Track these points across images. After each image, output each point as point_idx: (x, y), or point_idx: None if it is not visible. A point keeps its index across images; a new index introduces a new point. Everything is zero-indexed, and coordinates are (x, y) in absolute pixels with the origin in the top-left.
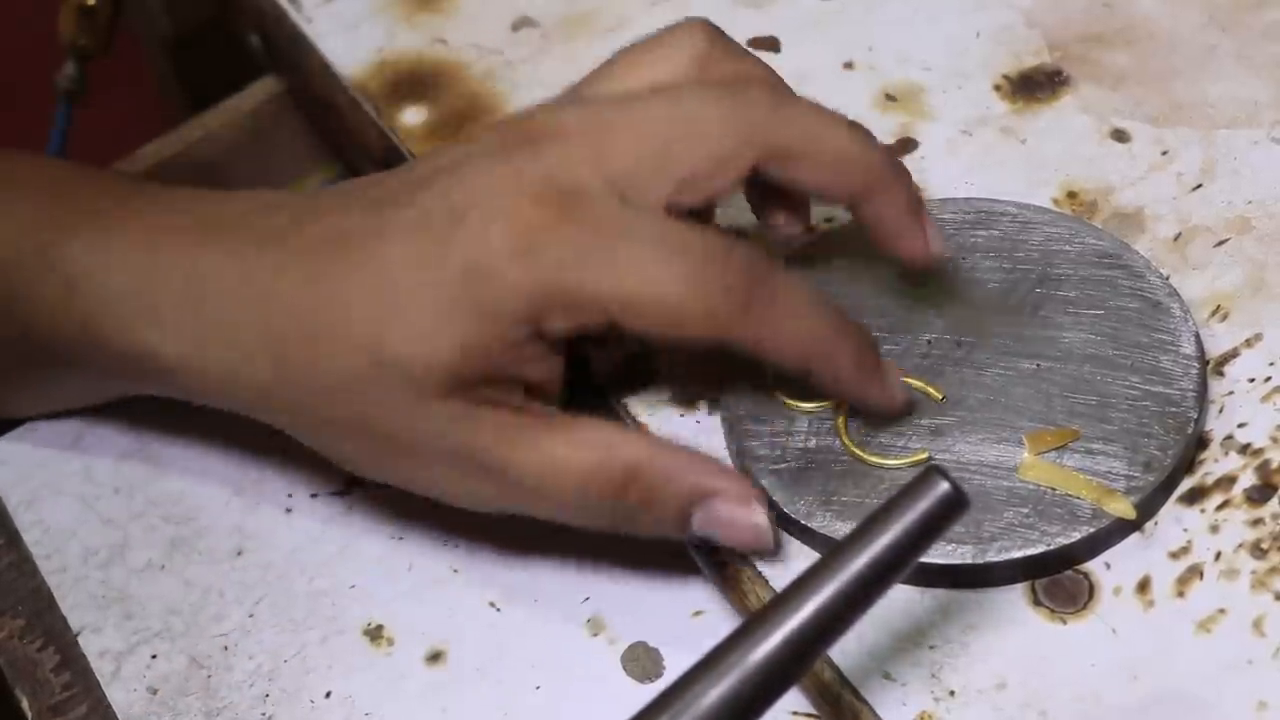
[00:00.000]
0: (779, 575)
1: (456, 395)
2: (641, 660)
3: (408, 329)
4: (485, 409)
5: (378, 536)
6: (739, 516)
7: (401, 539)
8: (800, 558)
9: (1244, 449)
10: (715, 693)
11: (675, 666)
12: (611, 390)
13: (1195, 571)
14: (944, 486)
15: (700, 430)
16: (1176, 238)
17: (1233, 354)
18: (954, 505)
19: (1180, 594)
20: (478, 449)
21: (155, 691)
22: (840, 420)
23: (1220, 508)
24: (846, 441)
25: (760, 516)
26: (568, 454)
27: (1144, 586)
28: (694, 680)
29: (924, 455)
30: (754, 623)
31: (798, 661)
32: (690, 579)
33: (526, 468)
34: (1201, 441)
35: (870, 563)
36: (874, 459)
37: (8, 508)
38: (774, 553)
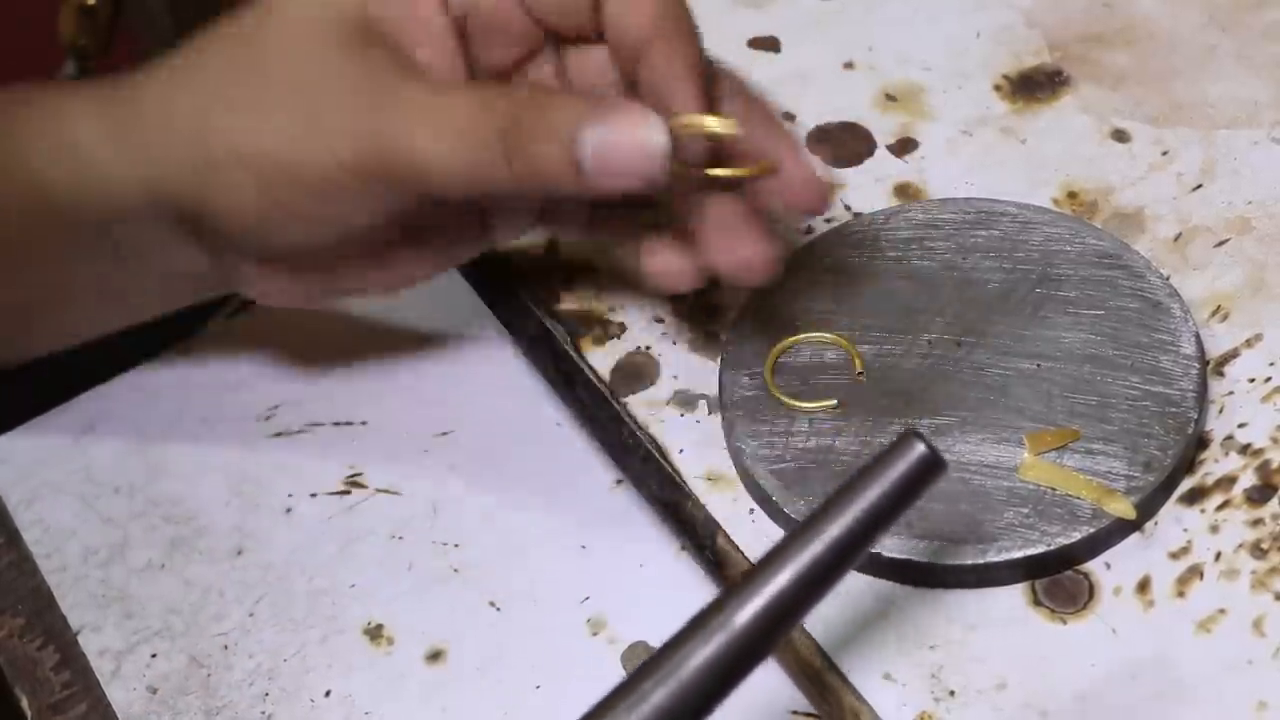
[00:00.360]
0: None
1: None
2: (641, 659)
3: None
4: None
5: (378, 536)
6: (631, 133)
7: (401, 539)
8: None
9: (1244, 449)
10: (701, 655)
11: None
12: (614, 391)
13: (1195, 571)
14: (921, 449)
15: (700, 430)
16: (1177, 238)
17: (1233, 354)
18: (932, 467)
19: (1180, 594)
20: (375, 74)
21: (155, 690)
22: (768, 370)
23: (1220, 508)
24: (772, 387)
25: (657, 134)
26: (457, 90)
27: (1144, 586)
28: (680, 644)
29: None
30: (737, 587)
31: (780, 624)
32: (690, 579)
33: (416, 95)
34: (1201, 442)
35: (850, 526)
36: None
37: (8, 506)
38: (660, 183)
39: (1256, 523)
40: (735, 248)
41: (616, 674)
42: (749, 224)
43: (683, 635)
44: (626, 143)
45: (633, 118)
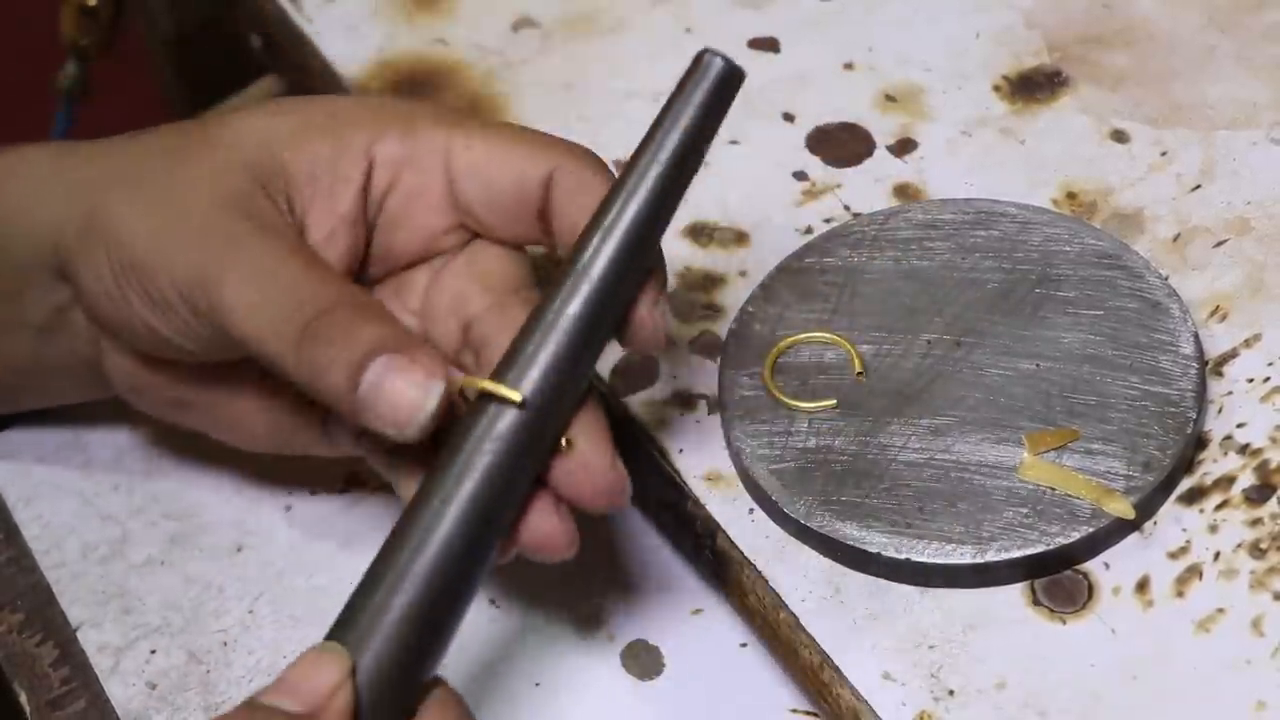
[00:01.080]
0: (779, 574)
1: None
2: (641, 658)
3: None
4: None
5: (377, 533)
6: (406, 382)
7: None
8: (800, 557)
9: (1243, 449)
10: (573, 304)
11: (675, 664)
12: (614, 391)
13: (1194, 571)
14: (719, 63)
15: (700, 430)
16: (1176, 238)
17: (1232, 354)
18: (730, 77)
19: (1179, 594)
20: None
21: (154, 686)
22: (767, 370)
23: (1219, 508)
24: (771, 387)
25: (427, 396)
26: (296, 263)
27: (1143, 586)
28: (552, 296)
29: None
30: (586, 232)
31: (634, 257)
32: (690, 578)
33: (257, 250)
34: (1200, 441)
35: (674, 151)
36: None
37: (7, 503)
38: (412, 436)
39: (1255, 522)
40: (532, 522)
41: (616, 671)
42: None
43: (548, 291)
44: (397, 390)
45: (414, 370)
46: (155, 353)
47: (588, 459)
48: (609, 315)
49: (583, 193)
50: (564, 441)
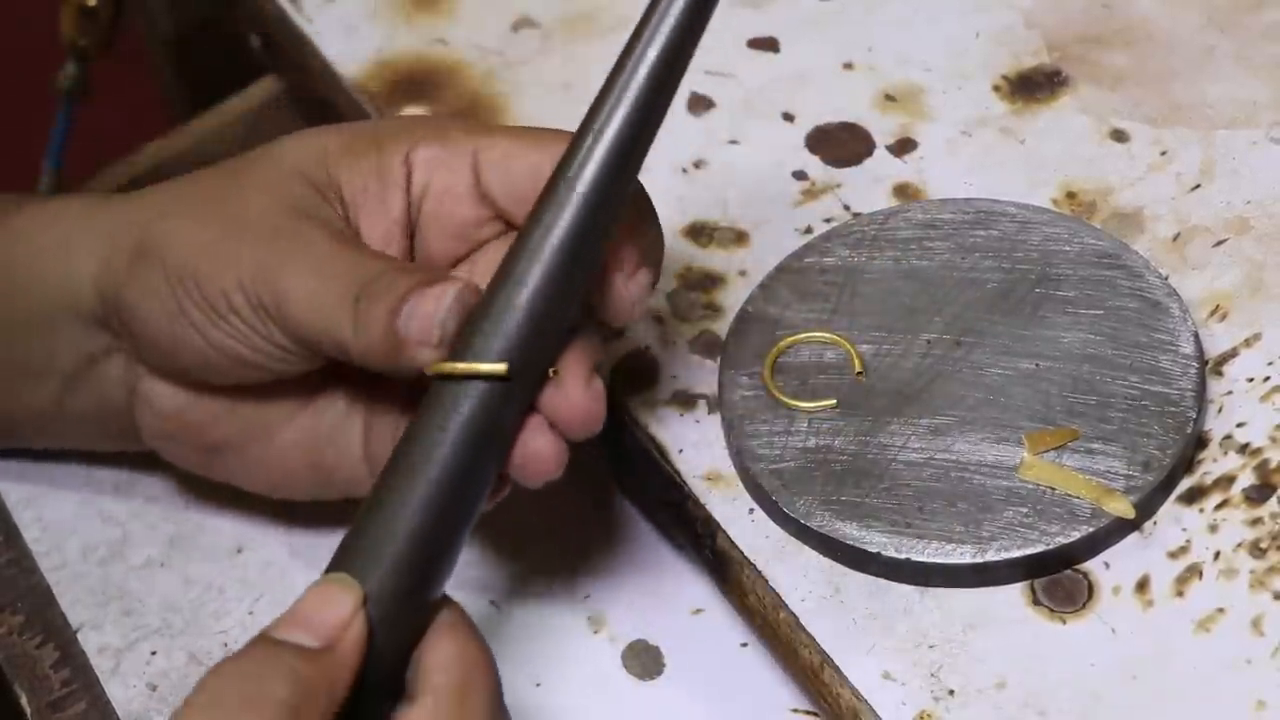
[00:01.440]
0: (779, 574)
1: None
2: (641, 657)
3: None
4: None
5: None
6: (426, 305)
7: None
8: (800, 557)
9: (1243, 448)
10: (561, 222)
11: (675, 664)
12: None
13: (1194, 571)
14: None
15: (700, 430)
16: (1175, 238)
17: (1231, 354)
18: None
19: (1179, 593)
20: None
21: (155, 688)
22: (767, 370)
23: (1219, 507)
24: (771, 387)
25: (445, 303)
26: (346, 248)
27: (1143, 586)
28: (538, 216)
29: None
30: (572, 145)
31: (621, 173)
32: (690, 577)
33: (311, 241)
34: (1200, 441)
35: (661, 53)
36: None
37: (7, 505)
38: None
39: (1255, 522)
40: (525, 441)
41: (617, 671)
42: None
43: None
44: (424, 312)
45: (443, 285)
46: (207, 376)
47: (567, 388)
48: (597, 233)
49: None
50: (551, 371)
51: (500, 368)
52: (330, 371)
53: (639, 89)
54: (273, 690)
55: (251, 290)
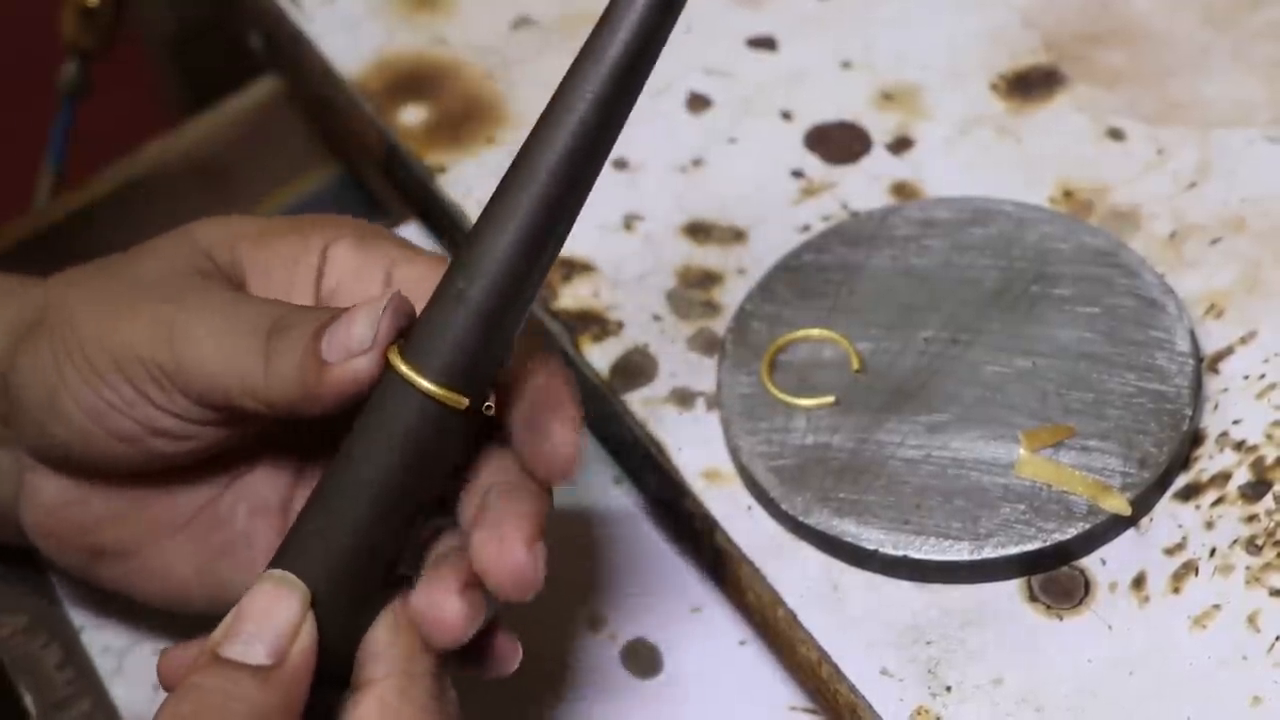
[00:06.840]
0: (778, 571)
1: None
2: (641, 656)
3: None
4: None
5: None
6: (355, 324)
7: None
8: (798, 554)
9: (1239, 445)
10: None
11: (674, 662)
12: (612, 389)
13: (1190, 567)
14: None
15: (699, 428)
16: (1172, 236)
17: (1227, 351)
18: None
19: (1175, 590)
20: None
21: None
22: (766, 368)
23: (1215, 504)
24: (770, 385)
25: (378, 309)
26: (250, 298)
27: (1139, 582)
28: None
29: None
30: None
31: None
32: (689, 576)
33: (212, 293)
34: (1196, 438)
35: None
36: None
37: None
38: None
39: (1251, 519)
40: (504, 552)
41: (617, 670)
42: (519, 520)
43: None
44: (352, 335)
45: (366, 307)
46: (86, 455)
47: (509, 543)
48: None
49: None
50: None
51: (463, 402)
52: (235, 477)
53: (623, 45)
54: None
55: (147, 349)
